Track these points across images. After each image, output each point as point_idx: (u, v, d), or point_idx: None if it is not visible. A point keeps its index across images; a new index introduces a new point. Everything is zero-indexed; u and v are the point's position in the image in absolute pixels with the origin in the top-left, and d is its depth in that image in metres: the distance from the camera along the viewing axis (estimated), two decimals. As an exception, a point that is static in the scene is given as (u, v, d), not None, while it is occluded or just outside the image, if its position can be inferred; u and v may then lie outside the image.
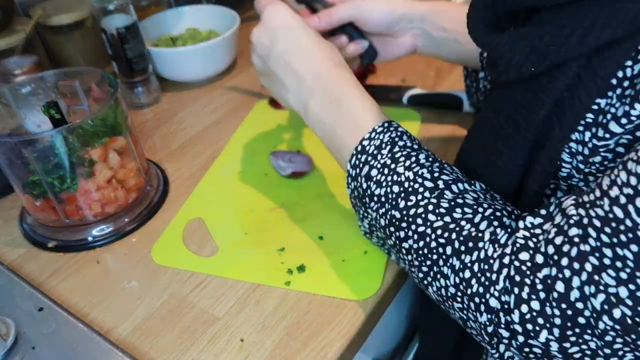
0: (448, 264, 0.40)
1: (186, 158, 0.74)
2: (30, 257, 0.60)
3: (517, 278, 0.36)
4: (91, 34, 0.87)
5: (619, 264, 0.31)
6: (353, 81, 0.52)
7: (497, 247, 0.38)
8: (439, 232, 0.41)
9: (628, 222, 0.31)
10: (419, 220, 0.42)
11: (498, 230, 0.39)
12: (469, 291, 0.39)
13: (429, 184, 0.43)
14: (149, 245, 0.60)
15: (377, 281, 0.53)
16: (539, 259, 0.35)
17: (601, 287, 0.32)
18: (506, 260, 0.37)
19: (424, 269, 0.42)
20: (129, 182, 0.63)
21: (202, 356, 0.48)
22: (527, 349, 0.37)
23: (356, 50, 0.66)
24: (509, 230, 0.39)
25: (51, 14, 0.83)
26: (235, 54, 0.94)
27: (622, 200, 0.31)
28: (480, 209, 0.41)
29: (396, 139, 0.47)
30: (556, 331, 0.35)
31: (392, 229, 0.45)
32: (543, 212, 0.38)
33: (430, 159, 0.46)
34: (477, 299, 0.38)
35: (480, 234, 0.39)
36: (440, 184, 0.43)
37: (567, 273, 0.34)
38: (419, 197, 0.43)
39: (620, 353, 0.34)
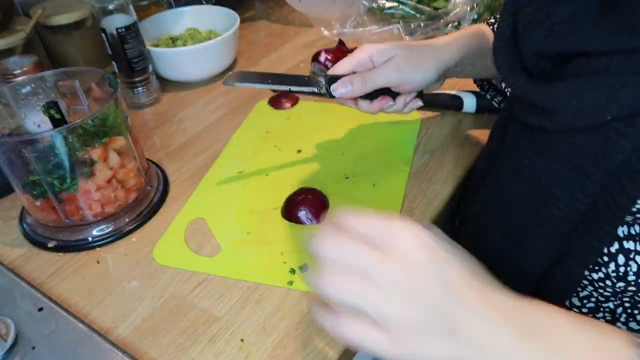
0: None
1: (186, 158, 0.74)
2: (30, 257, 0.60)
3: None
4: (91, 34, 0.87)
5: None
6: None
7: None
8: None
9: None
10: None
11: None
12: None
13: None
14: (149, 245, 0.60)
15: None
16: None
17: None
18: None
19: None
20: (129, 182, 0.63)
21: (202, 356, 0.48)
22: None
23: (411, 109, 0.63)
24: None
25: (51, 14, 0.83)
26: (235, 54, 0.94)
27: None
28: None
29: None
30: None
31: None
32: None
33: None
34: None
35: None
36: None
37: None
38: None
39: None
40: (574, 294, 0.47)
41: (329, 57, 0.88)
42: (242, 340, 0.49)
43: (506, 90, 0.69)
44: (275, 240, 0.59)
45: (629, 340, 0.34)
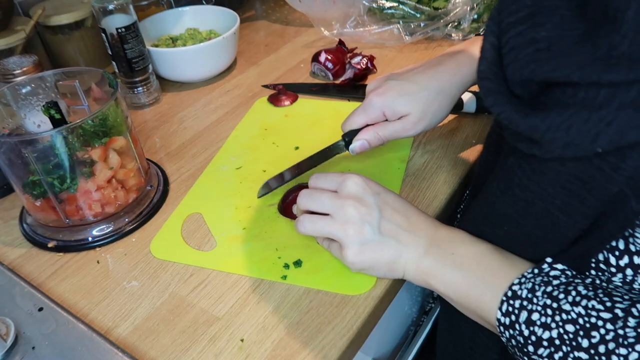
0: None
1: (186, 158, 0.74)
2: (30, 257, 0.60)
3: None
4: (91, 34, 0.87)
5: None
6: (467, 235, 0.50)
7: None
8: None
9: None
10: (614, 357, 0.37)
11: None
12: None
13: (606, 315, 0.39)
14: (149, 245, 0.60)
15: (374, 276, 0.53)
16: None
17: None
18: None
19: None
20: (129, 182, 0.63)
21: (202, 356, 0.48)
22: None
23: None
24: None
25: (51, 14, 0.83)
26: (235, 54, 0.94)
27: None
28: None
29: (545, 278, 0.43)
30: None
31: None
32: None
33: (591, 288, 0.41)
34: None
35: None
36: (618, 312, 0.39)
37: None
38: (602, 331, 0.38)
39: None
40: None
41: (329, 57, 0.88)
42: (242, 340, 0.49)
43: None
44: (271, 236, 0.59)
45: (518, 269, 0.45)
